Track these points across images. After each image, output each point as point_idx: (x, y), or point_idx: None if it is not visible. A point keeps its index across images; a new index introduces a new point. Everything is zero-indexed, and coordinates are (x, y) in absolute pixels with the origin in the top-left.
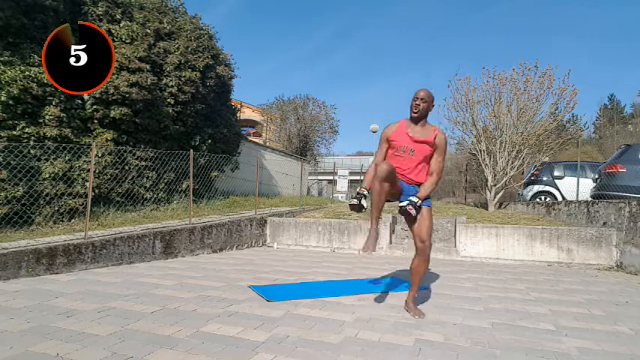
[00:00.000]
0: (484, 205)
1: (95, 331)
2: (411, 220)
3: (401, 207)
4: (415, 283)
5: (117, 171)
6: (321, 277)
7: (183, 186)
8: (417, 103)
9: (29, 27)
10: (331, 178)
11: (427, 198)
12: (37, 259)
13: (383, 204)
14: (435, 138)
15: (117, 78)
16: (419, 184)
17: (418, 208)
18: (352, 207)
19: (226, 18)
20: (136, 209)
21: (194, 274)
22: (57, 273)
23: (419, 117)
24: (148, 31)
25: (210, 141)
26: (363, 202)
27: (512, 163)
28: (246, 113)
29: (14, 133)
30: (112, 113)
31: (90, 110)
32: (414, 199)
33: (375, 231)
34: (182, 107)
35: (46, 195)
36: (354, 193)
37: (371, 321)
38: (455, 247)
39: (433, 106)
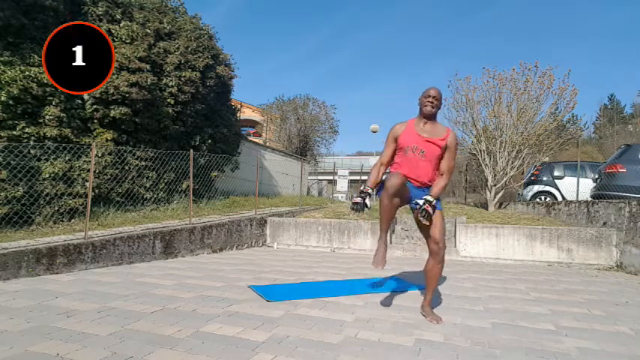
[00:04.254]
0: (484, 205)
1: (95, 331)
2: (422, 224)
3: (418, 207)
4: (431, 286)
5: (117, 171)
6: (321, 277)
7: (183, 186)
8: (430, 101)
9: (29, 27)
10: (331, 178)
11: (437, 200)
12: (37, 259)
13: (392, 217)
14: (447, 138)
15: (117, 78)
16: (429, 186)
17: (433, 207)
18: (355, 206)
19: (226, 18)
20: (136, 209)
21: (194, 274)
22: (57, 273)
23: (431, 115)
24: (148, 31)
25: (210, 141)
26: (367, 201)
27: (512, 163)
28: (246, 113)
29: (14, 133)
30: (112, 113)
31: (90, 110)
32: (429, 197)
33: (385, 244)
34: (182, 107)
35: (46, 195)
36: (356, 192)
37: (371, 321)
38: (455, 247)
39: (441, 104)
